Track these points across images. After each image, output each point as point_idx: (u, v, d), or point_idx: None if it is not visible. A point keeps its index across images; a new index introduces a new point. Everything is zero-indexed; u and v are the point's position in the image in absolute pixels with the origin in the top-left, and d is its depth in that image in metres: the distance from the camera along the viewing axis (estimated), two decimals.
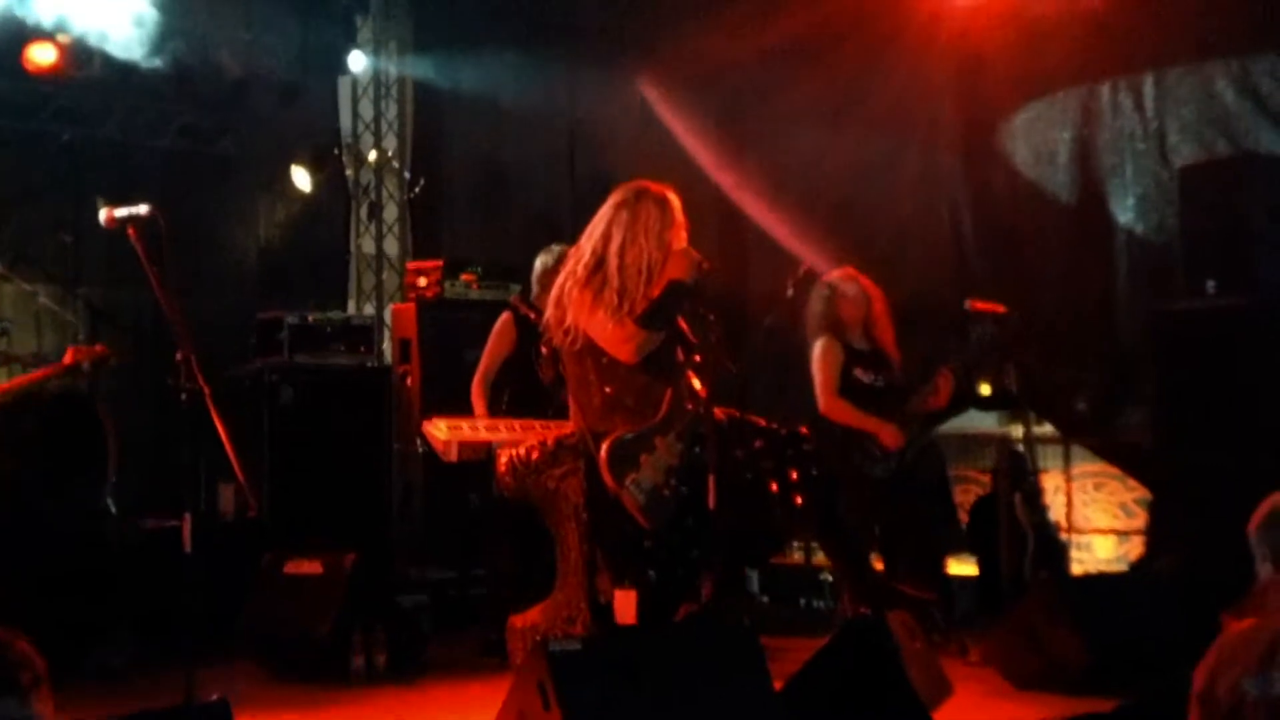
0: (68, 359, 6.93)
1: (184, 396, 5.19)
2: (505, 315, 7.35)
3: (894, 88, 8.82)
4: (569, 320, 5.68)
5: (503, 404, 7.12)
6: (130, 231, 5.46)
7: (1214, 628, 3.74)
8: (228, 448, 5.46)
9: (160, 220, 5.42)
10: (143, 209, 5.47)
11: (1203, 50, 7.90)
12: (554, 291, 5.81)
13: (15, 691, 3.11)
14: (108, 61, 9.06)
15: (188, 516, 5.18)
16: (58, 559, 6.67)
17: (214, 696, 4.20)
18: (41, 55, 8.80)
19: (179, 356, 5.22)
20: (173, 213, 5.56)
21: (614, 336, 5.60)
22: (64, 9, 8.86)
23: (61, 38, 8.87)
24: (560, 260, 7.12)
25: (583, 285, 5.67)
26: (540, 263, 7.28)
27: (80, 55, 8.95)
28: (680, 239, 5.77)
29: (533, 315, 7.01)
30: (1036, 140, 8.54)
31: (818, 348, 7.29)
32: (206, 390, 5.21)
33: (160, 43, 9.30)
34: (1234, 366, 6.97)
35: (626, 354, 5.60)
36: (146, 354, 8.14)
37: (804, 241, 8.68)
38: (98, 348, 7.18)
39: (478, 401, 7.17)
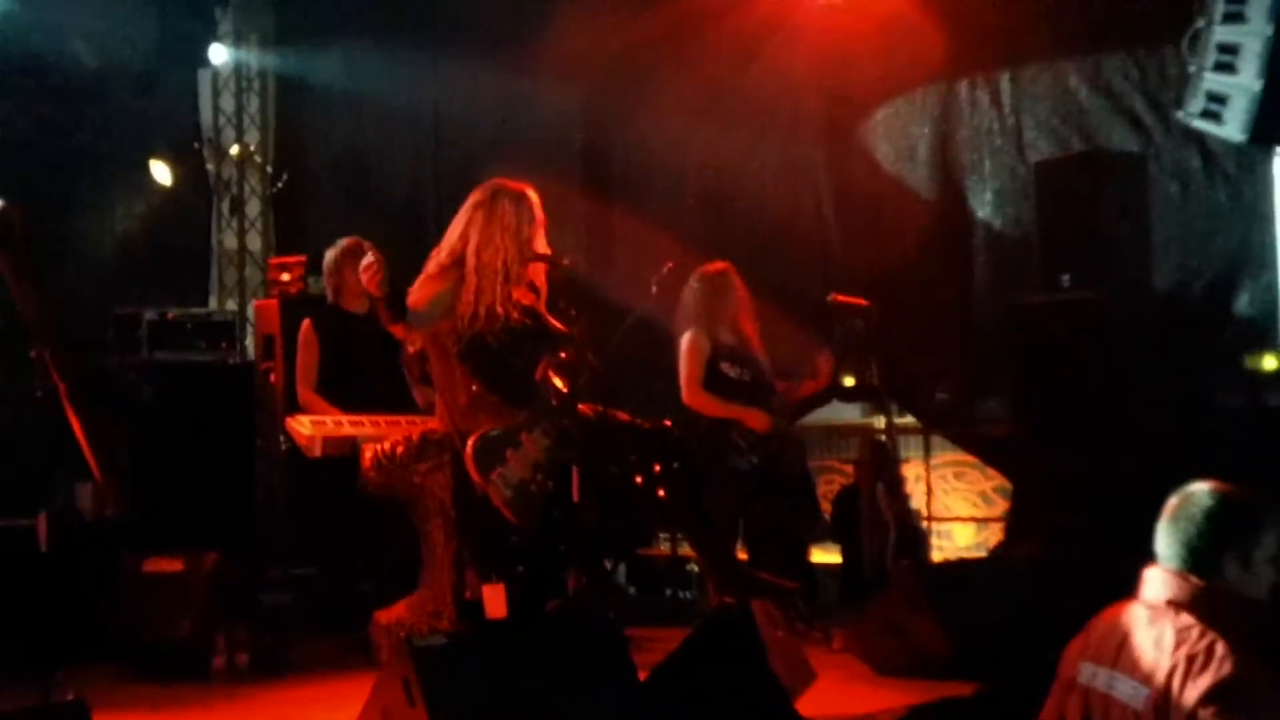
0: None
1: (38, 394, 5.10)
2: (305, 323, 7.28)
3: (758, 81, 8.92)
4: None
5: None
6: None
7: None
8: (84, 445, 5.36)
9: (14, 213, 5.32)
10: None
11: (1057, 48, 8.08)
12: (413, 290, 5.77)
13: None
14: None
15: (44, 516, 5.09)
16: None
17: (70, 696, 4.15)
18: None
19: (33, 354, 5.13)
20: (28, 206, 5.45)
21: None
22: None
23: None
24: (343, 255, 7.14)
25: (437, 284, 5.65)
26: (328, 257, 7.29)
27: None
28: (539, 236, 5.77)
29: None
30: (897, 136, 8.67)
31: (685, 340, 7.31)
32: (62, 387, 5.12)
33: (15, 33, 9.11)
34: (1087, 359, 7.13)
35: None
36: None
37: (672, 235, 8.71)
38: None
39: (319, 404, 7.05)
